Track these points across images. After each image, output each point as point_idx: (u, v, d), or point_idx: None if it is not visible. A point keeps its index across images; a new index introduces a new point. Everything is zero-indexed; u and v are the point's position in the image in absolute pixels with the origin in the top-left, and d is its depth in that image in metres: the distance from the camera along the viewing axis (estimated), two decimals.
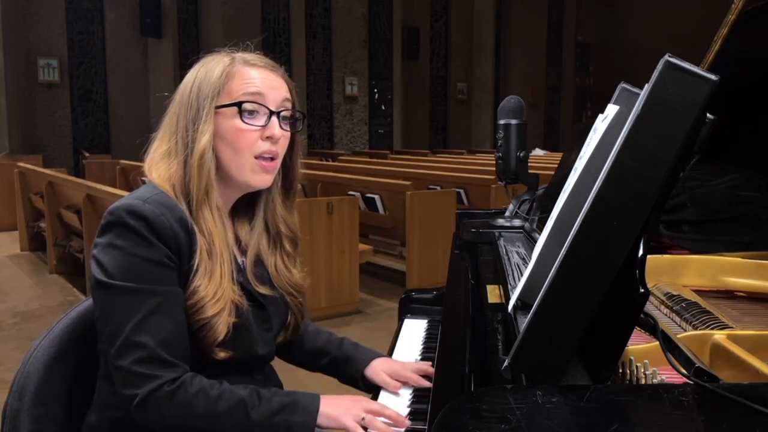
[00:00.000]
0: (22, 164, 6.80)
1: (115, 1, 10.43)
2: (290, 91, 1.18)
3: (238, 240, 1.22)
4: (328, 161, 9.59)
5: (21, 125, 9.51)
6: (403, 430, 1.06)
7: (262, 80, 1.13)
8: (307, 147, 12.35)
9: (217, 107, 1.10)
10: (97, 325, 1.08)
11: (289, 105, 1.16)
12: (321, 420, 1.04)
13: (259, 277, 1.18)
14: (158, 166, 1.11)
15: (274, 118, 1.12)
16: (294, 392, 1.08)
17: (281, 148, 1.15)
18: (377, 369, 1.27)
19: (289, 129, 1.16)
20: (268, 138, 1.11)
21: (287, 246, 1.24)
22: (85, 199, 4.53)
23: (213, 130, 1.10)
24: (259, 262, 1.21)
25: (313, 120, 12.80)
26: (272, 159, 1.13)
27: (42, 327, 1.23)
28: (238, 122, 1.10)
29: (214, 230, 1.08)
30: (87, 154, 9.34)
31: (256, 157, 1.11)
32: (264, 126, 1.11)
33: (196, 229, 1.07)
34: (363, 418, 1.04)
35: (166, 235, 1.02)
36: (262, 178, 1.13)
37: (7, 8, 9.13)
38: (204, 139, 1.09)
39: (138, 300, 1.00)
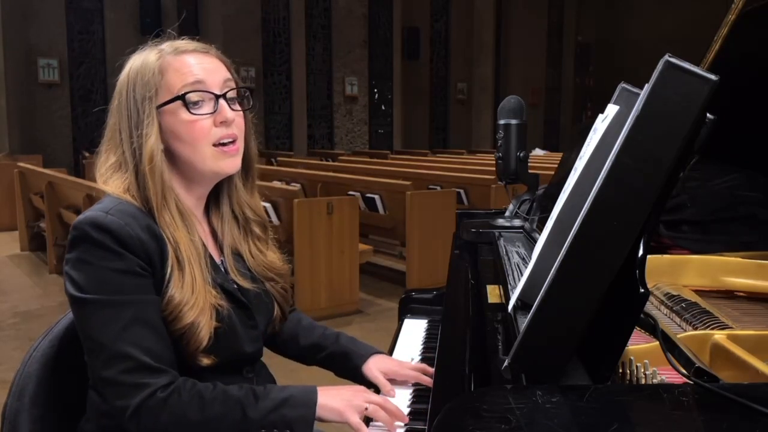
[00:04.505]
0: (22, 164, 6.80)
1: (115, 1, 10.43)
2: (228, 69, 1.14)
3: (216, 238, 1.20)
4: (328, 161, 9.58)
5: (21, 125, 9.50)
6: (402, 425, 1.06)
7: (198, 66, 1.09)
8: (307, 147, 12.36)
9: (159, 106, 1.07)
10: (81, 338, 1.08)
11: (232, 84, 1.12)
12: (321, 413, 1.03)
13: (241, 272, 1.17)
14: (112, 179, 1.08)
15: (221, 101, 1.09)
16: (289, 387, 1.06)
17: (238, 129, 1.11)
18: (373, 367, 1.26)
19: (240, 107, 1.13)
20: (222, 123, 1.08)
21: (257, 230, 1.22)
22: (85, 199, 4.53)
23: (158, 130, 1.06)
24: (237, 255, 1.19)
25: (313, 120, 12.80)
26: (232, 142, 1.10)
27: (42, 327, 1.23)
28: (186, 115, 1.07)
29: (177, 234, 1.06)
30: (87, 154, 9.33)
31: (214, 145, 1.08)
32: (213, 112, 1.08)
33: (164, 235, 1.05)
34: (366, 409, 1.04)
35: (133, 245, 1.00)
36: (227, 164, 1.10)
37: (7, 8, 9.13)
38: (150, 142, 1.05)
39: (114, 312, 0.98)
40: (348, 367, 1.29)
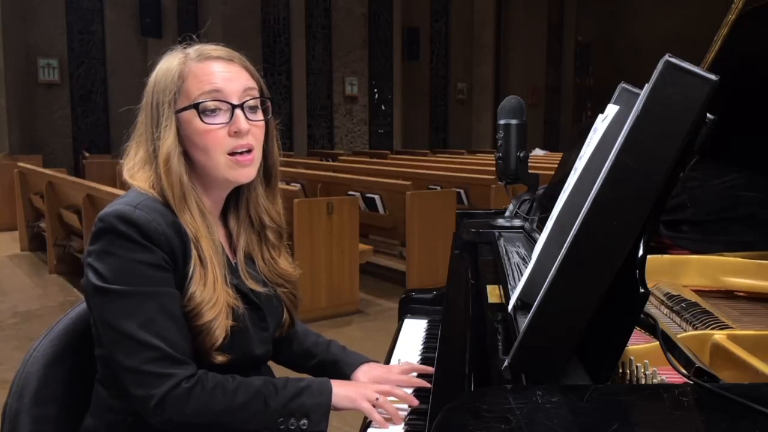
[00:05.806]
0: (22, 164, 6.80)
1: (115, 1, 10.42)
2: (252, 77, 1.13)
3: (231, 239, 1.20)
4: (328, 161, 9.58)
5: (21, 125, 9.50)
6: (403, 424, 1.09)
7: (218, 74, 1.08)
8: (307, 147, 12.36)
9: (177, 111, 1.07)
10: (94, 331, 1.08)
11: (254, 93, 1.11)
12: (336, 401, 1.07)
13: (252, 275, 1.18)
14: (139, 174, 1.09)
15: (237, 112, 1.08)
16: (305, 378, 1.10)
17: (254, 139, 1.10)
18: (362, 376, 1.26)
19: (259, 118, 1.12)
20: (236, 133, 1.07)
21: (271, 237, 1.22)
22: (85, 199, 4.53)
23: (175, 134, 1.07)
24: (250, 259, 1.20)
25: (313, 120, 12.80)
26: (248, 151, 1.09)
27: (42, 327, 1.23)
28: (199, 124, 1.06)
29: (199, 234, 1.06)
30: (87, 154, 9.34)
31: (229, 154, 1.08)
32: (228, 122, 1.07)
33: (188, 233, 1.06)
34: (377, 399, 1.09)
35: (159, 240, 1.01)
36: (241, 173, 1.10)
37: (7, 8, 9.12)
38: (166, 146, 1.06)
39: (139, 302, 0.99)
40: (337, 375, 1.28)
